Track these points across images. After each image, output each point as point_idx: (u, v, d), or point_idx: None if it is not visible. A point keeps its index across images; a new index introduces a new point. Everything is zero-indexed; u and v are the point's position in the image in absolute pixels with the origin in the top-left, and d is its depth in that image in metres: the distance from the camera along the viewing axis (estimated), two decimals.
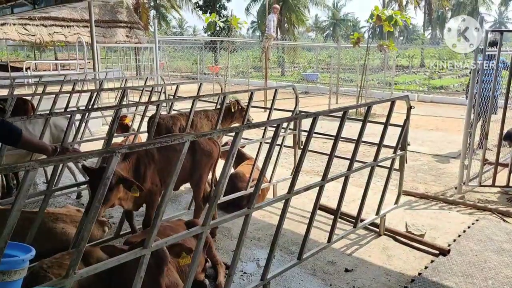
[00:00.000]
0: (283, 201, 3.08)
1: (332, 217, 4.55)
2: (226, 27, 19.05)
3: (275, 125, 2.89)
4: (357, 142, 3.63)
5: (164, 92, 6.69)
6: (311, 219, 3.35)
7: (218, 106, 5.71)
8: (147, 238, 2.29)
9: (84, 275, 2.06)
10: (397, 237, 4.18)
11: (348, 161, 3.62)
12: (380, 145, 3.88)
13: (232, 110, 5.35)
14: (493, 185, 5.50)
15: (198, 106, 5.60)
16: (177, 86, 5.53)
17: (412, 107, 4.18)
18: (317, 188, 3.31)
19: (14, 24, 14.75)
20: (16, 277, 2.05)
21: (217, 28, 15.10)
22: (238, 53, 26.32)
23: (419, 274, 3.53)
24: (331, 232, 3.61)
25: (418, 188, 5.78)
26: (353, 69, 23.23)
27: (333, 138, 3.35)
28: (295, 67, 29.65)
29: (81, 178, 5.26)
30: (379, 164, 4.02)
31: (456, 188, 5.54)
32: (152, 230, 2.28)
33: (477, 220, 4.58)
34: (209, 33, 21.15)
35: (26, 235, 3.17)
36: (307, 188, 3.24)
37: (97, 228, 4.12)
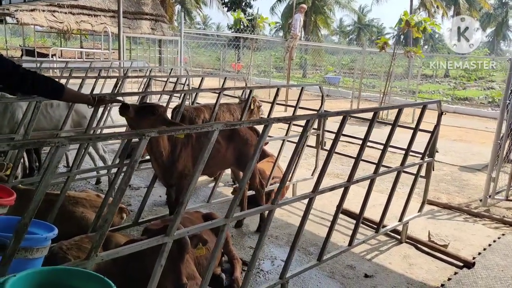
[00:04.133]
0: (305, 200, 2.99)
1: (352, 220, 4.48)
2: (250, 26, 18.98)
3: (299, 122, 2.81)
4: (385, 145, 3.53)
5: (188, 84, 6.67)
6: (334, 221, 3.27)
7: (240, 101, 5.67)
8: (170, 226, 2.25)
9: (105, 258, 2.03)
10: (419, 245, 4.05)
11: (370, 166, 3.52)
12: (408, 150, 3.78)
13: (252, 107, 5.31)
14: None
15: (221, 101, 5.56)
16: (202, 78, 5.50)
17: (444, 113, 4.05)
18: (339, 189, 3.23)
19: (43, 11, 14.97)
20: (38, 255, 2.03)
21: (241, 26, 15.05)
22: (260, 52, 26.27)
23: (442, 285, 3.40)
24: (353, 236, 3.51)
25: (441, 198, 5.63)
26: (375, 75, 22.95)
27: (359, 140, 3.27)
28: (316, 70, 29.42)
29: (100, 164, 5.27)
30: (405, 170, 3.91)
31: (481, 200, 5.37)
32: (176, 218, 2.23)
33: (503, 235, 4.42)
34: (233, 30, 21.17)
35: (47, 217, 3.16)
36: (332, 188, 3.16)
37: (115, 214, 4.10)
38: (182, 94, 4.10)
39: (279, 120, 2.61)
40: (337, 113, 2.98)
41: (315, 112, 4.24)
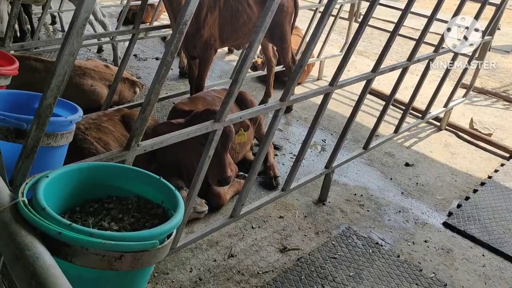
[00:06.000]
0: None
1: (383, 103, 4.11)
2: None
3: None
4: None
5: None
6: (385, 108, 2.87)
7: None
8: (220, 110, 1.81)
9: (149, 148, 1.63)
10: (461, 134, 3.76)
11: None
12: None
13: None
14: None
15: None
16: None
17: None
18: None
19: None
20: (63, 142, 1.62)
21: None
22: None
23: (490, 177, 3.18)
24: (400, 123, 3.16)
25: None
26: None
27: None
28: None
29: (100, 29, 4.61)
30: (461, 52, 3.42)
31: None
32: (228, 101, 1.78)
33: None
34: None
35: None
36: (392, 68, 2.70)
37: (127, 88, 3.65)
38: None
39: None
40: None
41: None
